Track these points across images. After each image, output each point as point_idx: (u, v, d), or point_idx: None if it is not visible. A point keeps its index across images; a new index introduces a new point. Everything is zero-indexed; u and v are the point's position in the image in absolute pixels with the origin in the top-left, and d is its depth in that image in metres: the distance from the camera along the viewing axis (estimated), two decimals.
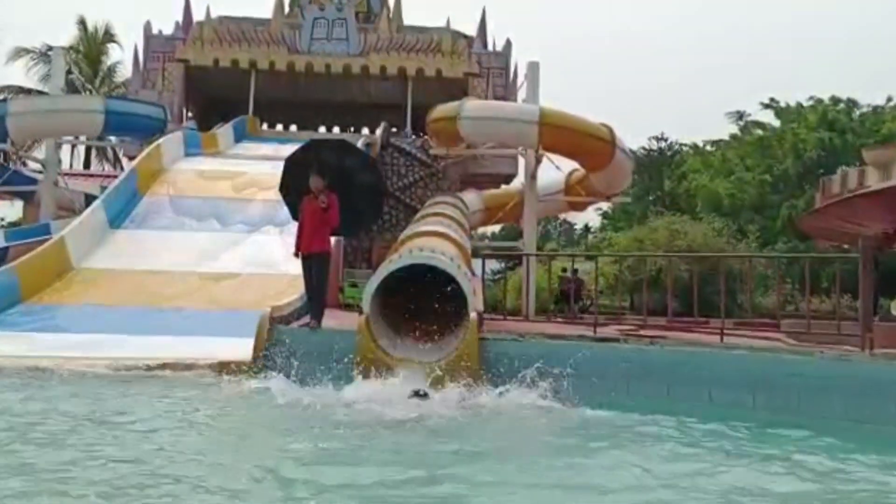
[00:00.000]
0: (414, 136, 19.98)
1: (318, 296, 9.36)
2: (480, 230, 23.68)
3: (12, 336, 9.21)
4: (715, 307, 11.48)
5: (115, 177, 17.99)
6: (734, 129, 36.73)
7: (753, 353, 7.43)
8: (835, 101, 33.17)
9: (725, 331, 9.28)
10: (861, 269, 8.58)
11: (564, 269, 18.01)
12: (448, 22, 21.63)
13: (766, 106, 35.01)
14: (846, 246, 17.50)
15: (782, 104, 34.61)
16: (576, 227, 48.36)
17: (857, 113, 32.98)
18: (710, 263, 15.45)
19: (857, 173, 19.35)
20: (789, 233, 28.28)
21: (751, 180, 31.87)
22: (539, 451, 5.39)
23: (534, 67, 16.02)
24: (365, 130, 23.82)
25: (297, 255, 9.50)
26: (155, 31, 21.50)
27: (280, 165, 15.53)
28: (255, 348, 8.35)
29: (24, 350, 8.49)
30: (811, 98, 33.67)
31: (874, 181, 17.03)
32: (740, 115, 36.05)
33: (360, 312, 8.35)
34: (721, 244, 22.12)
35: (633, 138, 35.32)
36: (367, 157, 14.10)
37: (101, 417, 5.65)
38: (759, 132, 34.24)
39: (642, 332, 9.53)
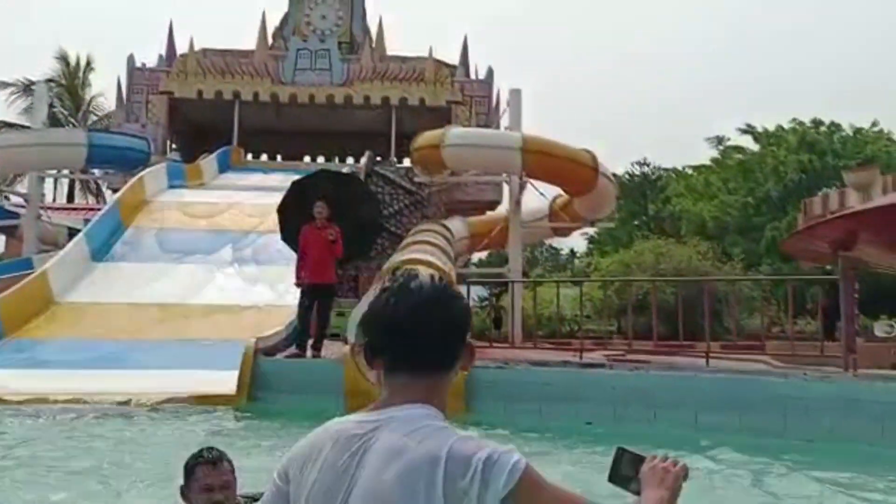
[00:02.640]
0: (398, 165, 20.04)
1: (320, 326, 9.43)
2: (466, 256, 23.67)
3: None
4: (701, 330, 11.52)
5: (99, 210, 17.90)
6: (713, 154, 37.11)
7: (738, 377, 7.45)
8: (816, 123, 33.56)
9: (711, 353, 9.31)
10: (842, 290, 8.64)
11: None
12: (430, 51, 21.81)
13: (744, 131, 35.44)
14: (829, 267, 17.64)
15: (759, 129, 35.03)
16: (562, 251, 48.50)
17: (839, 136, 33.36)
18: (695, 286, 15.51)
19: (837, 195, 19.60)
20: (773, 254, 28.47)
21: (734, 203, 32.14)
22: None
23: (516, 95, 16.15)
24: (350, 159, 23.87)
25: (298, 284, 9.54)
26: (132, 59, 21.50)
27: (264, 196, 15.65)
28: (240, 380, 8.30)
29: (6, 387, 8.38)
30: (793, 120, 34.05)
31: (855, 202, 17.22)
32: (720, 140, 36.49)
33: (346, 342, 8.33)
34: (706, 266, 22.22)
35: (616, 163, 35.64)
36: (366, 187, 14.31)
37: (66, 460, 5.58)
38: (740, 156, 34.62)
39: (628, 357, 9.55)
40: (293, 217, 11.13)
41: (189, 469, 2.75)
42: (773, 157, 32.12)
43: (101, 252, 13.61)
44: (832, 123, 33.58)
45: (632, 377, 7.66)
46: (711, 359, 8.98)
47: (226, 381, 8.27)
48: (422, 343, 1.38)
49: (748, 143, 35.57)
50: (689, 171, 37.91)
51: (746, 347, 12.11)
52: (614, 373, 7.89)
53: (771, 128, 34.64)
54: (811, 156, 31.34)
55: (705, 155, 37.89)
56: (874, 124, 33.77)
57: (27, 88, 32.14)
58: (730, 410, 6.83)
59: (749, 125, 35.28)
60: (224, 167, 19.69)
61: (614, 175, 17.92)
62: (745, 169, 33.27)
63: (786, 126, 34.00)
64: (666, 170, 40.63)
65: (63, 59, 34.74)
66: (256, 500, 2.96)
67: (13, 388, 8.35)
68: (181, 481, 2.77)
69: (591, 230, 35.26)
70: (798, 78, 78.55)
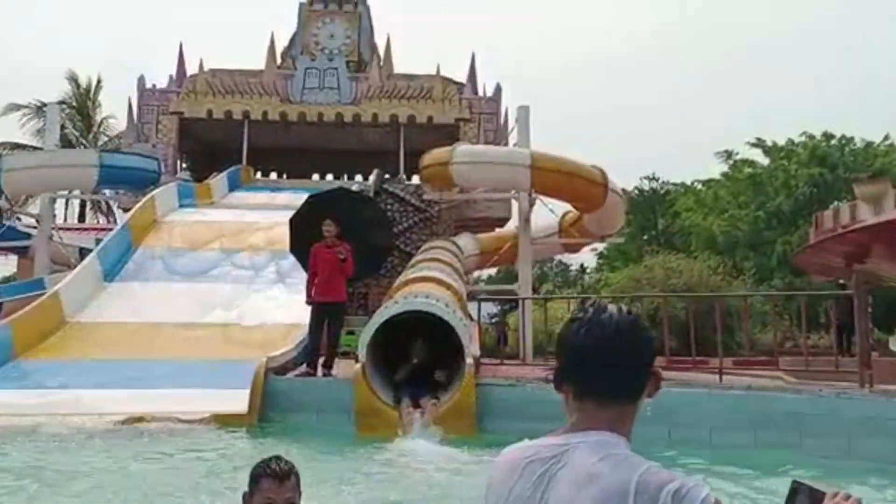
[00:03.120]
0: (407, 182, 20.08)
1: (330, 345, 9.42)
2: (475, 273, 23.66)
3: (7, 393, 9.10)
4: (712, 345, 11.42)
5: (110, 230, 17.98)
6: (722, 169, 36.96)
7: (753, 393, 7.38)
8: (827, 136, 33.43)
9: (724, 369, 9.23)
10: (856, 305, 8.56)
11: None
12: (438, 69, 21.90)
13: (754, 145, 35.31)
14: (842, 280, 17.52)
15: (769, 143, 34.91)
16: (571, 267, 48.42)
17: (850, 149, 33.23)
18: (706, 301, 15.40)
19: (849, 208, 19.51)
20: (785, 268, 28.33)
21: (744, 217, 32.03)
22: None
23: (524, 111, 16.16)
24: (358, 177, 23.95)
25: (308, 302, 9.54)
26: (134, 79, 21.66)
27: (274, 214, 15.70)
28: (252, 399, 8.29)
29: (19, 407, 8.39)
30: (803, 133, 33.92)
31: (867, 215, 17.13)
32: (729, 155, 36.33)
33: (357, 360, 8.31)
34: (717, 281, 22.10)
35: (625, 178, 35.60)
36: (381, 211, 14.36)
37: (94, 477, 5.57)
38: (750, 170, 34.47)
39: None
40: (305, 232, 11.15)
41: (254, 477, 2.69)
42: (783, 171, 32.02)
43: (112, 272, 13.65)
44: (843, 137, 33.47)
45: None
46: (724, 374, 8.91)
47: (237, 401, 8.25)
48: (609, 373, 1.45)
49: (758, 156, 35.46)
50: (699, 186, 37.81)
51: (759, 363, 12.01)
52: None
53: (781, 141, 34.54)
54: (822, 169, 31.24)
55: (715, 170, 37.78)
56: (885, 138, 33.66)
57: (39, 110, 32.46)
58: (745, 427, 6.76)
59: (759, 139, 35.18)
60: (234, 186, 19.77)
61: (623, 190, 17.88)
62: (755, 183, 33.16)
63: (796, 140, 33.90)
64: (675, 184, 40.58)
65: (73, 80, 35.16)
66: None
67: (25, 408, 8.36)
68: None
69: (600, 245, 35.19)
70: (809, 89, 78.48)
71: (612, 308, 1.50)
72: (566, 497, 1.37)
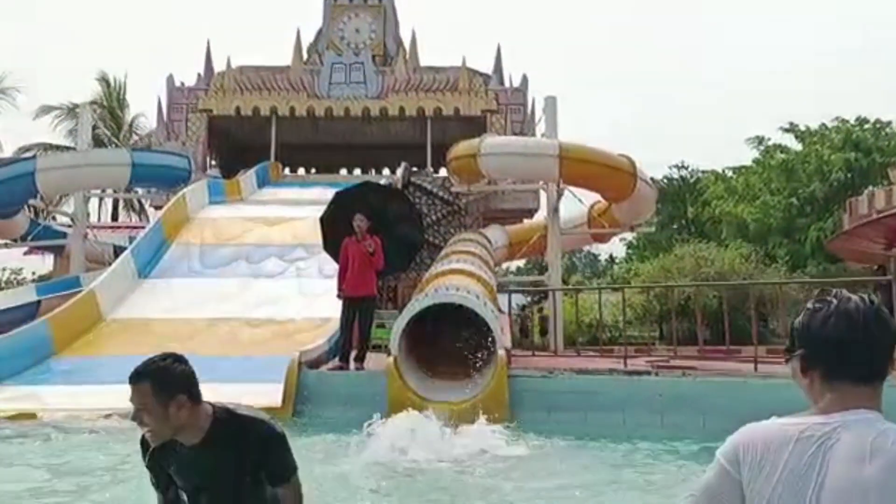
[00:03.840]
0: (435, 175, 20.09)
1: (361, 338, 9.46)
2: (504, 265, 23.62)
3: (47, 389, 9.28)
4: (746, 334, 11.31)
5: (143, 227, 18.22)
6: (753, 156, 36.31)
7: (791, 381, 7.28)
8: (861, 121, 32.77)
9: (759, 358, 9.12)
10: (895, 291, 8.41)
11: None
12: (464, 61, 21.84)
13: (787, 130, 34.69)
14: (876, 267, 17.24)
15: (801, 128, 34.27)
16: (599, 257, 48.14)
17: (885, 133, 32.53)
18: (739, 290, 15.26)
19: (884, 193, 19.14)
20: (819, 255, 27.91)
21: (776, 204, 31.54)
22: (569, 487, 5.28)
23: (551, 102, 16.08)
24: (386, 171, 24.01)
25: (339, 296, 9.60)
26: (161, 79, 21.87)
27: (303, 209, 15.80)
28: (286, 393, 8.36)
29: (59, 403, 8.55)
30: (836, 118, 33.27)
31: None
32: (760, 141, 35.71)
33: (389, 353, 8.35)
34: (749, 270, 21.87)
35: (655, 167, 35.20)
36: (411, 205, 14.36)
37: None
38: (782, 156, 33.86)
39: (673, 364, 9.41)
40: (336, 228, 11.20)
41: None
42: (816, 156, 31.44)
43: (146, 269, 13.84)
44: (877, 121, 32.78)
45: (679, 384, 7.54)
46: (759, 364, 8.80)
47: (271, 394, 8.32)
48: (858, 360, 1.56)
49: (790, 142, 34.84)
50: (729, 174, 37.28)
51: None
52: (660, 380, 7.78)
53: (814, 126, 33.91)
54: (856, 154, 30.61)
55: (744, 157, 37.20)
56: None
57: (71, 111, 32.96)
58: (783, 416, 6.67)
59: (792, 123, 34.56)
60: (263, 182, 19.94)
61: (652, 179, 17.71)
62: (787, 169, 32.58)
63: (829, 124, 33.27)
64: (704, 172, 40.08)
65: (104, 80, 35.63)
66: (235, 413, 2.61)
67: (65, 404, 8.51)
68: None
69: (629, 235, 34.93)
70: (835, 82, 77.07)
71: (854, 298, 1.60)
72: (846, 472, 1.44)
